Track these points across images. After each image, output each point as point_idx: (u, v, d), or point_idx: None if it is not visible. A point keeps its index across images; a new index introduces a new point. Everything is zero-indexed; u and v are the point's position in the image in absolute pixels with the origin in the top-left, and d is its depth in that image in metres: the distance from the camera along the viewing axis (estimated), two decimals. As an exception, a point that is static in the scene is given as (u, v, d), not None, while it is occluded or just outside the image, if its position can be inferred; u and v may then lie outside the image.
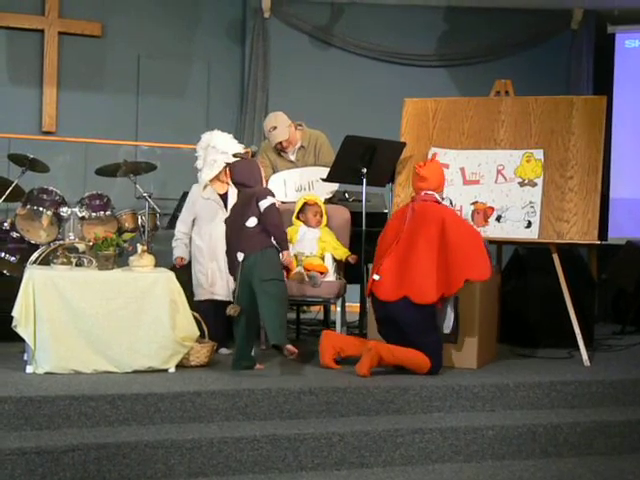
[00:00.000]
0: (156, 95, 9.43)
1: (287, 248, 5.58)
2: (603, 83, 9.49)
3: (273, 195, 5.64)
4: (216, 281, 6.06)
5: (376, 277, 5.59)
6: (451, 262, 5.44)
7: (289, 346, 5.33)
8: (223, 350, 6.02)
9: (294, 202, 6.47)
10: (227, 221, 5.72)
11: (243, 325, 5.49)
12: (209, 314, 5.89)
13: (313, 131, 7.01)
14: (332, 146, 6.83)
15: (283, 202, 6.59)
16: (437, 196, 5.69)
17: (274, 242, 5.51)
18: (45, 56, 9.02)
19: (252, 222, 5.53)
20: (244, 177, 5.66)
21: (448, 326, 5.66)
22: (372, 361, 5.39)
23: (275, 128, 6.78)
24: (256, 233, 5.52)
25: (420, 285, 5.44)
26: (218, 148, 6.01)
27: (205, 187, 6.12)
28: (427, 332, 5.48)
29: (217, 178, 6.09)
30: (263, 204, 5.52)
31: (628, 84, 9.32)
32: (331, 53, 9.91)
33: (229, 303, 5.56)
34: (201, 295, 6.10)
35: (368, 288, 5.70)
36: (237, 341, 5.54)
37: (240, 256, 5.50)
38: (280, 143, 6.82)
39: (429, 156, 6.51)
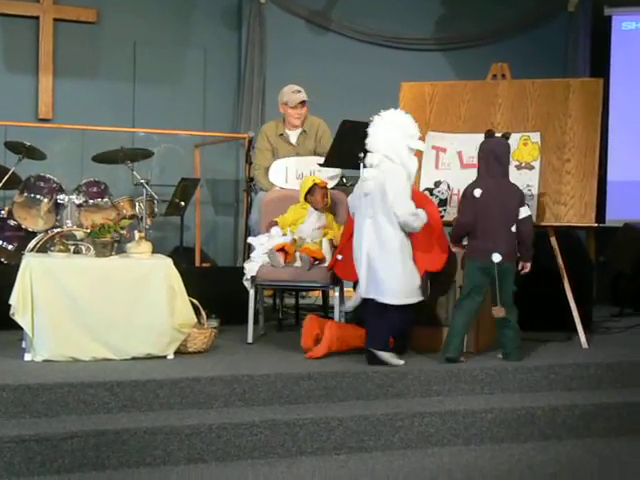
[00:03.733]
0: (152, 82, 9.40)
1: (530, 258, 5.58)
2: (600, 65, 9.48)
3: None
4: None
5: (339, 257, 5.70)
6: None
7: None
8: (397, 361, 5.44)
9: (294, 189, 6.46)
10: (481, 204, 5.54)
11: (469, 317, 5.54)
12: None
13: (315, 118, 7.06)
14: (329, 131, 6.87)
15: (282, 188, 6.61)
16: None
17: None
18: (40, 43, 8.98)
19: (514, 226, 5.54)
20: (507, 162, 5.65)
21: (427, 293, 5.66)
22: (331, 343, 5.47)
23: (299, 92, 6.88)
24: (514, 239, 5.54)
25: None
26: (408, 132, 5.49)
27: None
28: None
29: None
30: (524, 212, 5.54)
31: (625, 66, 9.30)
32: (328, 38, 9.88)
33: None
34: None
35: (330, 266, 5.82)
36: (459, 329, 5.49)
37: (496, 257, 5.47)
38: (296, 107, 6.83)
39: (426, 141, 6.50)
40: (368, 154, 5.46)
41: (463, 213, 5.62)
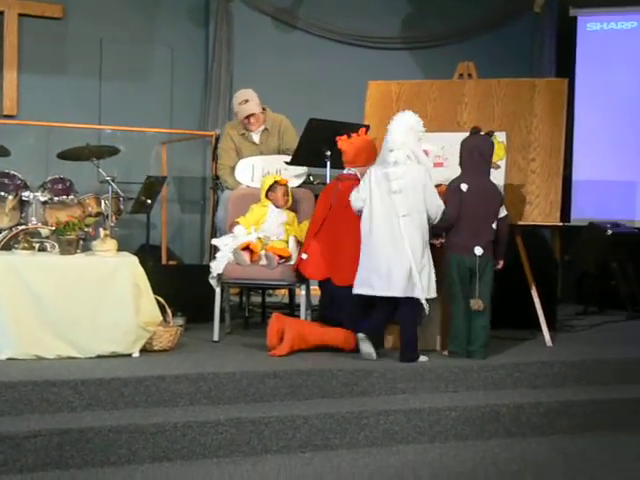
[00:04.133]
0: (119, 78, 9.34)
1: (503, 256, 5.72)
2: (565, 65, 9.54)
3: None
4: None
5: (304, 256, 5.72)
6: None
7: None
8: (424, 358, 5.53)
9: (259, 188, 6.46)
10: (467, 199, 5.60)
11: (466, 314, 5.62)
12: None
13: (277, 115, 7.05)
14: (295, 129, 6.86)
15: (248, 186, 6.60)
16: (359, 173, 5.72)
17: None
18: (5, 38, 8.88)
19: (494, 224, 5.65)
20: (490, 159, 5.78)
21: None
22: (293, 341, 5.47)
23: (247, 101, 6.85)
24: (492, 235, 5.64)
25: (341, 268, 5.58)
26: (418, 134, 5.60)
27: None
28: (359, 310, 5.56)
29: None
30: (503, 211, 5.70)
31: (590, 67, 9.38)
32: (295, 36, 9.87)
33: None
34: None
35: (295, 265, 5.82)
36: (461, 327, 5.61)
37: (478, 251, 5.55)
38: (248, 118, 6.84)
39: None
40: (392, 152, 5.47)
41: (449, 206, 5.59)
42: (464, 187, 5.59)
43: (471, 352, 5.59)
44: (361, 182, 5.58)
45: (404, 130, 5.50)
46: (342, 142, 5.72)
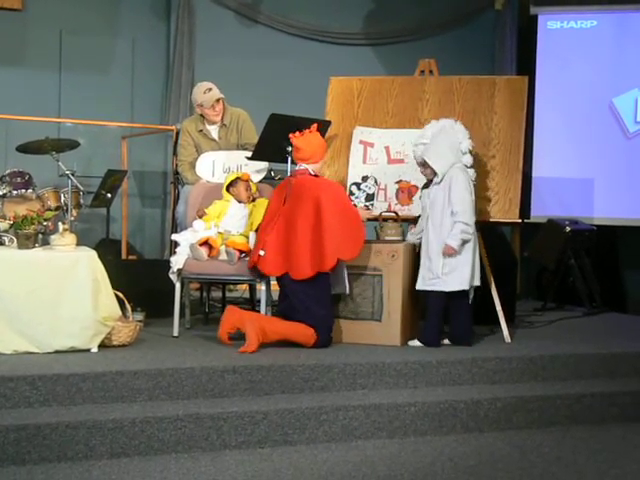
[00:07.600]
0: (79, 71, 9.26)
1: None
2: (526, 63, 9.61)
3: None
4: None
5: (261, 252, 5.72)
6: (324, 241, 5.60)
7: None
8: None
9: (220, 182, 6.43)
10: None
11: None
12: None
13: (234, 109, 7.01)
14: (256, 124, 6.84)
15: (209, 181, 6.58)
16: (310, 169, 5.79)
17: None
18: (-37, 30, 8.80)
19: None
20: None
21: (345, 286, 5.82)
22: (257, 335, 5.46)
23: (210, 89, 6.81)
24: None
25: (297, 262, 5.62)
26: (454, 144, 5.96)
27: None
28: (315, 305, 5.62)
29: None
30: None
31: (550, 65, 9.44)
32: (257, 30, 9.83)
33: None
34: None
35: (252, 262, 5.79)
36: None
37: None
38: (218, 100, 6.80)
39: (354, 135, 6.55)
40: (467, 155, 5.94)
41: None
42: None
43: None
44: (466, 184, 5.84)
45: None
46: (297, 139, 5.74)
